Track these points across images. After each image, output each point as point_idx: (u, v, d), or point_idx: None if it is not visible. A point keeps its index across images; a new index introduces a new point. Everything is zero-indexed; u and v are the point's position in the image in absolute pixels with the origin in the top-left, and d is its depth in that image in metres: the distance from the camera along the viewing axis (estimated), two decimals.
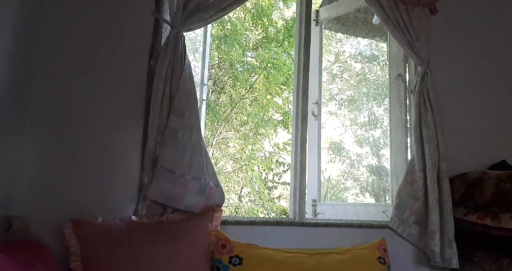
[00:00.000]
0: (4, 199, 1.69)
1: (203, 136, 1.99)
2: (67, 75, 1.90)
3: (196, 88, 1.98)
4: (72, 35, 1.93)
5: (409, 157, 2.38)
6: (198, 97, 1.99)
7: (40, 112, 1.85)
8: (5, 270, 1.06)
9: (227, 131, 5.77)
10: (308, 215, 2.50)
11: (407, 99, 2.48)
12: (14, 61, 1.69)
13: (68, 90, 1.90)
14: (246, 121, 5.76)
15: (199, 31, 2.40)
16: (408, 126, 2.44)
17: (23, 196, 1.76)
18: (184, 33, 1.97)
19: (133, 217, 1.83)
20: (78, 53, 1.93)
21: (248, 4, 5.54)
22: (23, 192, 1.77)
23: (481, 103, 2.47)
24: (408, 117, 2.46)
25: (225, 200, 2.01)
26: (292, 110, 2.48)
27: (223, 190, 2.00)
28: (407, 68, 2.52)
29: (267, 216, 5.47)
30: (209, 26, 2.37)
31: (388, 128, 2.57)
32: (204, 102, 2.35)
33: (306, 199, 2.30)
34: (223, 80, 5.67)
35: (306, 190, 2.28)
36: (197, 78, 2.30)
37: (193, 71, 1.99)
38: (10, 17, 1.64)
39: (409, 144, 2.43)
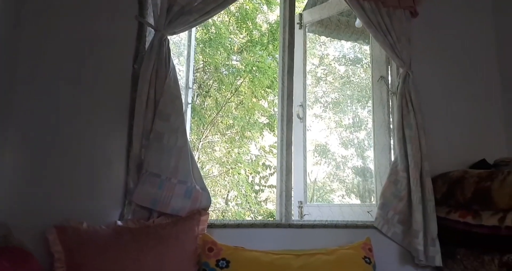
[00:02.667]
0: None
1: (188, 139, 1.99)
2: (50, 79, 1.88)
3: (181, 91, 1.99)
4: (56, 39, 1.91)
5: (392, 158, 2.42)
6: (183, 100, 1.99)
7: (22, 117, 1.82)
8: None
9: (213, 134, 5.77)
10: (295, 216, 2.52)
11: (390, 100, 2.52)
12: None
13: (51, 95, 1.87)
14: (232, 125, 5.77)
15: (184, 35, 2.40)
16: (391, 127, 2.48)
17: (6, 202, 1.73)
18: (168, 37, 1.97)
19: (119, 222, 1.81)
20: (61, 57, 1.90)
21: (232, 8, 5.56)
22: (6, 199, 1.73)
23: (461, 103, 2.53)
24: (391, 119, 2.50)
25: (212, 204, 2.01)
26: (277, 113, 2.50)
27: (210, 194, 2.00)
28: (389, 70, 2.56)
29: (254, 219, 5.47)
30: (194, 29, 2.37)
31: (372, 129, 2.60)
32: (189, 106, 2.35)
33: (292, 201, 2.32)
34: (208, 83, 5.67)
35: (292, 192, 2.30)
36: (182, 82, 2.30)
37: (178, 75, 1.99)
38: None
39: (392, 145, 2.47)
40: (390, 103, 2.52)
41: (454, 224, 2.09)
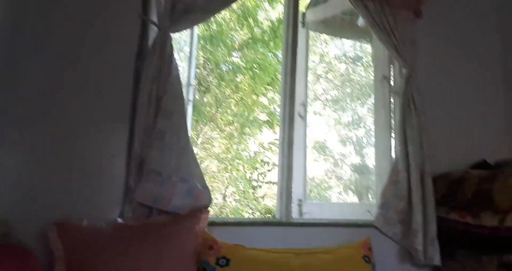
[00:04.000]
0: None
1: (190, 137, 1.98)
2: (52, 76, 1.86)
3: (183, 89, 1.98)
4: (58, 36, 1.89)
5: (393, 157, 2.42)
6: (184, 98, 1.98)
7: (23, 113, 1.81)
8: None
9: (212, 130, 5.76)
10: (294, 214, 2.52)
11: (391, 100, 2.52)
12: None
13: (53, 91, 1.86)
14: (231, 121, 5.76)
15: (184, 31, 2.38)
16: (393, 126, 2.48)
17: (7, 199, 1.72)
18: (171, 34, 1.96)
19: (119, 220, 1.81)
20: (63, 54, 1.89)
21: (234, 5, 5.53)
22: (6, 196, 1.72)
23: (463, 104, 2.54)
24: (392, 118, 2.50)
25: None
26: (279, 111, 2.49)
27: (210, 192, 2.00)
28: (391, 70, 2.56)
29: (252, 216, 5.48)
30: (195, 26, 2.36)
31: (373, 128, 2.60)
32: (190, 103, 2.34)
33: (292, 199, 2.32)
34: (208, 80, 5.65)
35: (292, 190, 2.30)
36: (183, 79, 2.28)
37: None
38: None
39: (393, 145, 2.47)
40: (392, 103, 2.52)
41: (454, 224, 2.10)
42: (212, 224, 1.99)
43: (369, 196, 3.20)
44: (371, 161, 2.77)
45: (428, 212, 2.16)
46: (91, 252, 1.63)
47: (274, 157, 5.61)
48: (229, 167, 5.68)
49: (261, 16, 5.79)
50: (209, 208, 1.96)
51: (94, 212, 1.81)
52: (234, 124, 5.74)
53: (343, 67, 4.59)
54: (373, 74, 2.65)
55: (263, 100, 5.87)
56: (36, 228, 1.68)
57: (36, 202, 1.76)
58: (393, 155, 2.44)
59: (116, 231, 1.73)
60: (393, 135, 2.47)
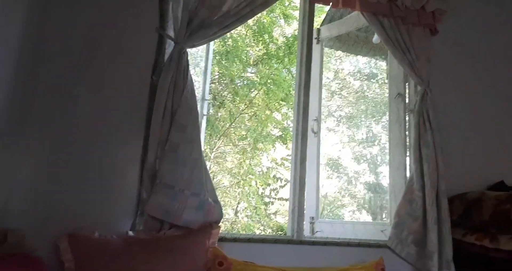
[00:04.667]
0: (0, 212, 1.68)
1: (203, 151, 1.99)
2: (70, 88, 1.91)
3: (197, 103, 1.99)
4: (77, 49, 1.95)
5: (408, 176, 2.38)
6: (199, 112, 2.00)
7: (40, 124, 1.85)
8: None
9: (225, 145, 5.77)
10: (306, 232, 2.48)
11: (407, 118, 2.50)
12: (18, 75, 1.69)
13: (70, 103, 1.90)
14: (244, 136, 5.77)
15: (201, 47, 2.42)
16: (408, 144, 2.44)
17: (20, 209, 1.74)
18: (187, 49, 1.99)
19: (130, 233, 1.81)
20: (82, 66, 1.94)
21: (249, 21, 5.61)
22: (20, 205, 1.75)
23: (481, 123, 2.49)
24: (407, 136, 2.47)
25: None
26: (292, 126, 2.49)
27: (221, 207, 1.99)
28: (407, 87, 2.54)
29: (263, 232, 5.42)
30: (211, 42, 2.39)
31: (387, 146, 2.57)
32: (205, 117, 2.36)
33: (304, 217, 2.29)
34: (223, 94, 5.70)
35: (305, 207, 2.27)
36: (198, 93, 2.30)
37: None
38: (17, 30, 1.65)
39: (408, 163, 2.43)
40: (407, 121, 2.49)
41: (470, 247, 2.03)
42: (223, 239, 1.97)
43: (383, 215, 3.14)
44: (385, 180, 2.72)
45: (443, 233, 2.10)
46: (101, 264, 1.63)
47: (287, 173, 5.58)
48: (242, 182, 5.66)
49: (276, 32, 5.86)
50: (220, 224, 1.94)
51: (106, 223, 1.82)
52: (247, 139, 5.75)
53: (357, 83, 4.58)
54: (388, 91, 2.63)
55: (277, 115, 5.88)
56: (49, 238, 1.69)
57: (49, 213, 1.78)
58: (407, 173, 2.41)
59: (127, 244, 1.73)
60: (408, 153, 2.43)
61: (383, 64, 3.37)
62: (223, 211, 1.96)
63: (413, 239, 2.16)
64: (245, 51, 5.73)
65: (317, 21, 3.45)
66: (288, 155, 5.39)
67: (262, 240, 2.08)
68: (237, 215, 5.63)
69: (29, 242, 1.62)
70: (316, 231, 2.51)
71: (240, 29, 5.67)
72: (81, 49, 1.95)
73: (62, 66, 1.91)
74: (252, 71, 5.87)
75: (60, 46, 1.92)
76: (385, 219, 3.01)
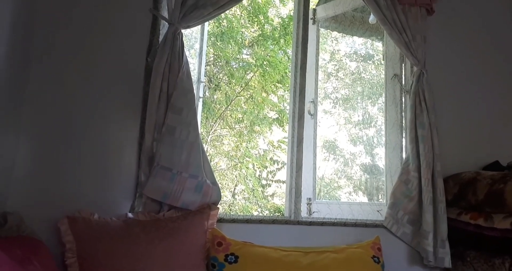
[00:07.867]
0: (0, 195, 1.68)
1: (200, 133, 1.99)
2: (63, 71, 1.89)
3: (193, 85, 1.98)
4: (69, 32, 1.91)
5: (403, 157, 2.40)
6: (195, 94, 1.99)
7: (36, 108, 1.83)
8: (2, 266, 1.05)
9: (221, 128, 5.76)
10: (303, 213, 2.51)
11: (403, 99, 2.50)
12: (11, 58, 1.67)
13: (65, 87, 1.88)
14: (241, 119, 5.75)
15: (195, 28, 2.39)
16: (403, 125, 2.45)
17: (19, 192, 1.75)
18: (182, 30, 1.96)
19: (129, 214, 1.83)
20: (75, 49, 1.91)
21: (244, 2, 5.52)
22: (19, 188, 1.75)
23: (476, 104, 2.50)
24: (403, 117, 2.47)
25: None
26: (288, 109, 2.48)
27: (220, 188, 2.00)
28: (403, 68, 2.53)
29: (261, 214, 5.48)
30: (206, 23, 2.36)
31: (383, 127, 2.58)
32: (201, 100, 2.34)
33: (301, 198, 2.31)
34: (219, 77, 5.65)
35: (301, 189, 2.29)
36: (193, 76, 2.29)
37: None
38: (7, 12, 1.62)
39: (404, 144, 2.44)
40: (403, 102, 2.49)
41: (465, 226, 2.07)
42: (221, 220, 2.00)
43: (379, 196, 3.18)
44: (381, 161, 2.74)
45: (438, 212, 2.13)
46: (101, 245, 1.65)
47: (283, 156, 5.60)
48: (239, 165, 5.68)
49: (271, 13, 5.77)
50: (218, 206, 1.96)
51: (105, 206, 1.84)
52: (244, 121, 5.74)
53: (354, 65, 4.55)
54: (384, 73, 2.62)
55: (273, 98, 5.85)
56: (48, 221, 1.71)
57: (48, 196, 1.79)
58: (403, 154, 2.42)
59: (126, 226, 1.75)
60: (404, 134, 2.44)
61: (379, 45, 3.34)
62: (221, 193, 1.97)
63: (408, 219, 2.19)
64: (240, 32, 5.65)
65: (313, 1, 3.40)
66: (284, 138, 5.39)
67: (260, 221, 2.10)
68: (234, 197, 5.67)
69: (28, 225, 1.63)
70: (313, 212, 2.53)
71: (235, 10, 5.57)
72: (73, 31, 1.92)
73: (54, 48, 1.88)
74: (248, 53, 5.81)
75: (51, 28, 1.89)
76: (381, 199, 3.04)
